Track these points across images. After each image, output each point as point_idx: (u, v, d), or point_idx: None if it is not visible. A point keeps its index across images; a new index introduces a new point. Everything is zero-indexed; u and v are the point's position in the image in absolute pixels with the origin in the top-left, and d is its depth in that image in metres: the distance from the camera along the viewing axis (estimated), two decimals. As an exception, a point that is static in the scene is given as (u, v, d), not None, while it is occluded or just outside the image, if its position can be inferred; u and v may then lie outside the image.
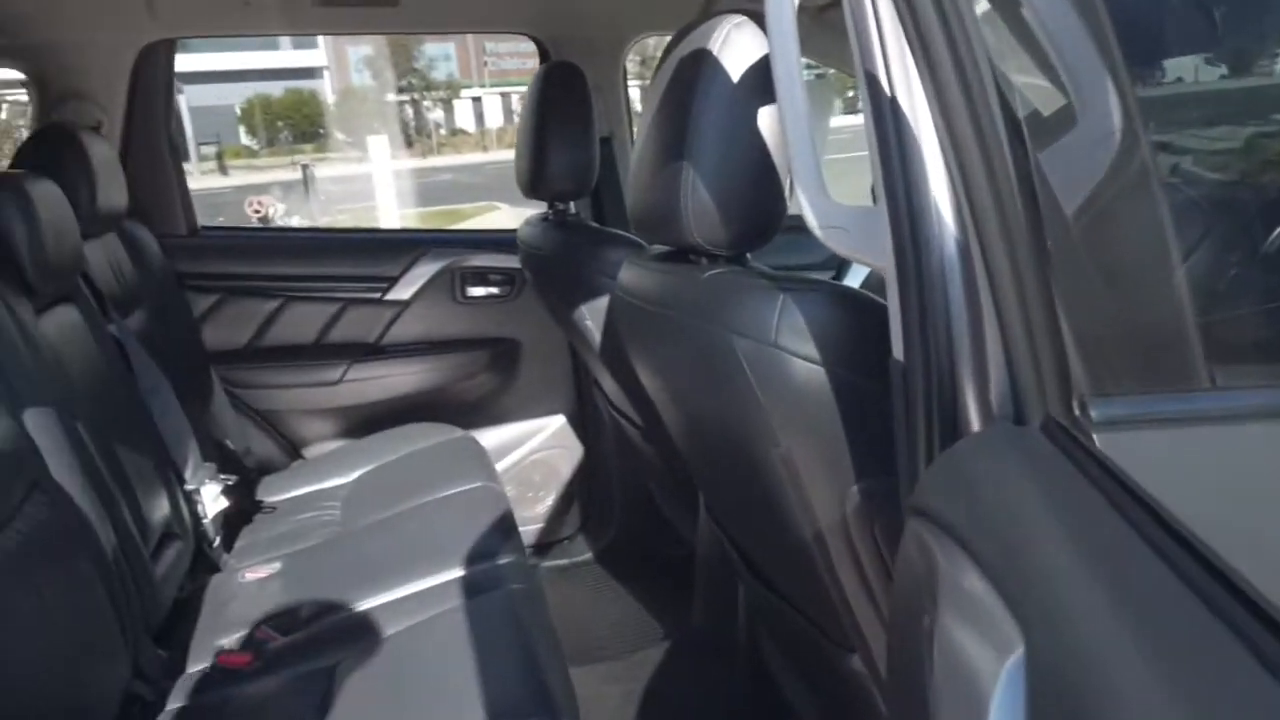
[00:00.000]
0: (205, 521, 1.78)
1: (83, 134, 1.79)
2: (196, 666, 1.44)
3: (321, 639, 1.46)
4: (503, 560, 1.61)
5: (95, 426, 1.46)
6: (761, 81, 0.97)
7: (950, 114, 0.66)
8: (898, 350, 0.81)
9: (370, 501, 1.97)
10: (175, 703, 1.35)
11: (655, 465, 2.01)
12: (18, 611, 1.08)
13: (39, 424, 1.27)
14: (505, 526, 1.74)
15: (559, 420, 2.53)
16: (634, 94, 2.72)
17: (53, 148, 1.73)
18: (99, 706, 1.23)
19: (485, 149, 26.36)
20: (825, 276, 2.01)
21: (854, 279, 1.95)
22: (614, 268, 1.41)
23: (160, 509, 1.63)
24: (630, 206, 1.20)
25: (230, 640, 1.50)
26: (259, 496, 2.10)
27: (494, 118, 29.19)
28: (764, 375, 0.95)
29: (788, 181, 1.00)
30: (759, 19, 0.94)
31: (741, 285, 1.01)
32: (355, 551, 1.76)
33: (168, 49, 2.21)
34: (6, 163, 1.87)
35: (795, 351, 0.92)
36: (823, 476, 0.99)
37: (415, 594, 1.54)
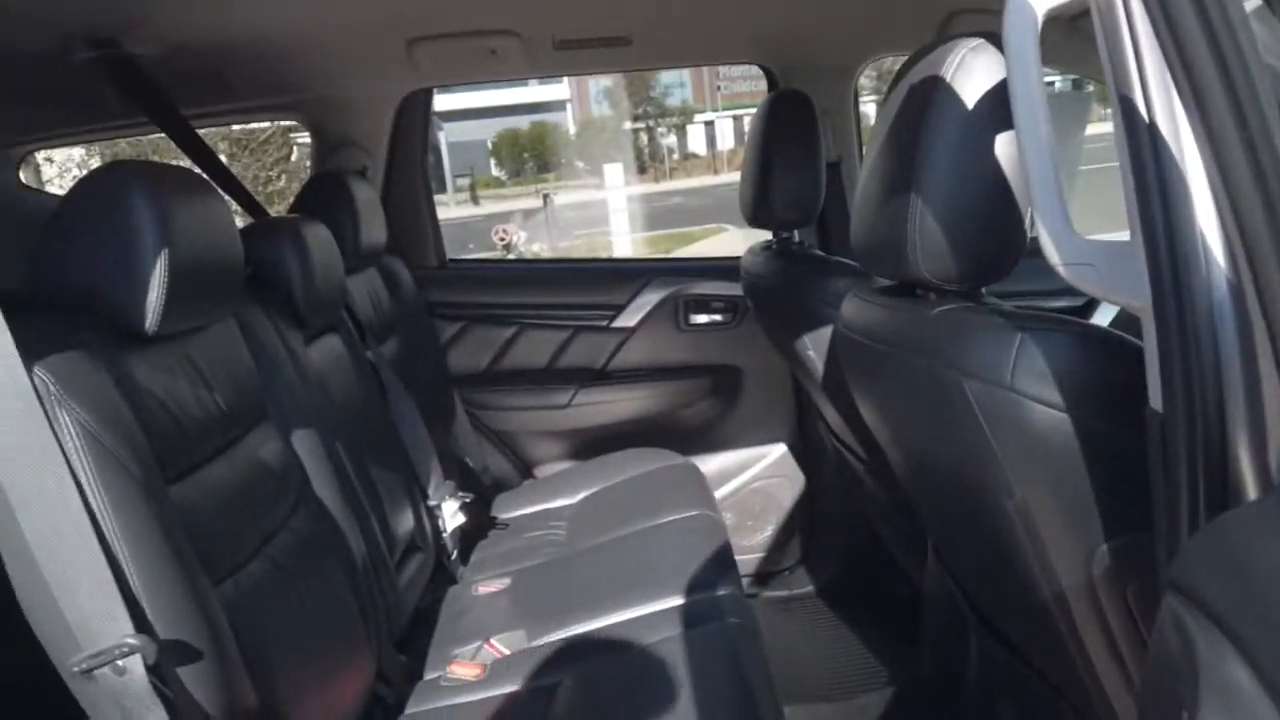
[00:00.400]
0: (445, 535, 1.90)
1: (350, 179, 1.98)
2: (432, 674, 1.54)
3: (545, 658, 1.51)
4: (721, 592, 1.60)
5: (352, 446, 1.60)
6: (998, 107, 0.91)
7: (1219, 140, 0.58)
8: (1155, 399, 0.72)
9: (594, 523, 2.03)
10: (413, 707, 1.44)
11: (880, 500, 1.93)
12: (283, 612, 1.20)
13: (305, 443, 1.41)
14: (724, 557, 1.73)
15: (780, 449, 2.50)
16: (870, 108, 2.64)
17: (324, 193, 1.93)
18: (347, 704, 1.34)
19: (716, 171, 26.74)
20: (1069, 303, 1.87)
21: (1104, 314, 1.78)
22: (838, 298, 1.37)
23: (406, 523, 1.76)
24: (854, 237, 1.16)
25: (463, 650, 1.59)
26: (493, 513, 2.22)
27: (725, 140, 29.56)
28: (998, 420, 0.88)
29: (1028, 212, 0.92)
30: (999, 40, 0.88)
31: (974, 323, 0.94)
32: (579, 573, 1.81)
33: (425, 97, 2.41)
34: (293, 198, 2.11)
35: (1034, 396, 0.84)
36: (1065, 532, 0.90)
37: (635, 619, 1.56)
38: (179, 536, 0.98)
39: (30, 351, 0.87)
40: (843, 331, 1.24)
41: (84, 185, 1.06)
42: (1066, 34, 1.67)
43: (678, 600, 1.58)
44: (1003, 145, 0.92)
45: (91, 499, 0.88)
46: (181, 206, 1.07)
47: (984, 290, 1.03)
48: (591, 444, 2.44)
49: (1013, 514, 0.93)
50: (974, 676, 1.58)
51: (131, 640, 0.85)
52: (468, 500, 1.93)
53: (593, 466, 2.35)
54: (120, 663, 0.86)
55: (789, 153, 1.76)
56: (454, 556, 1.93)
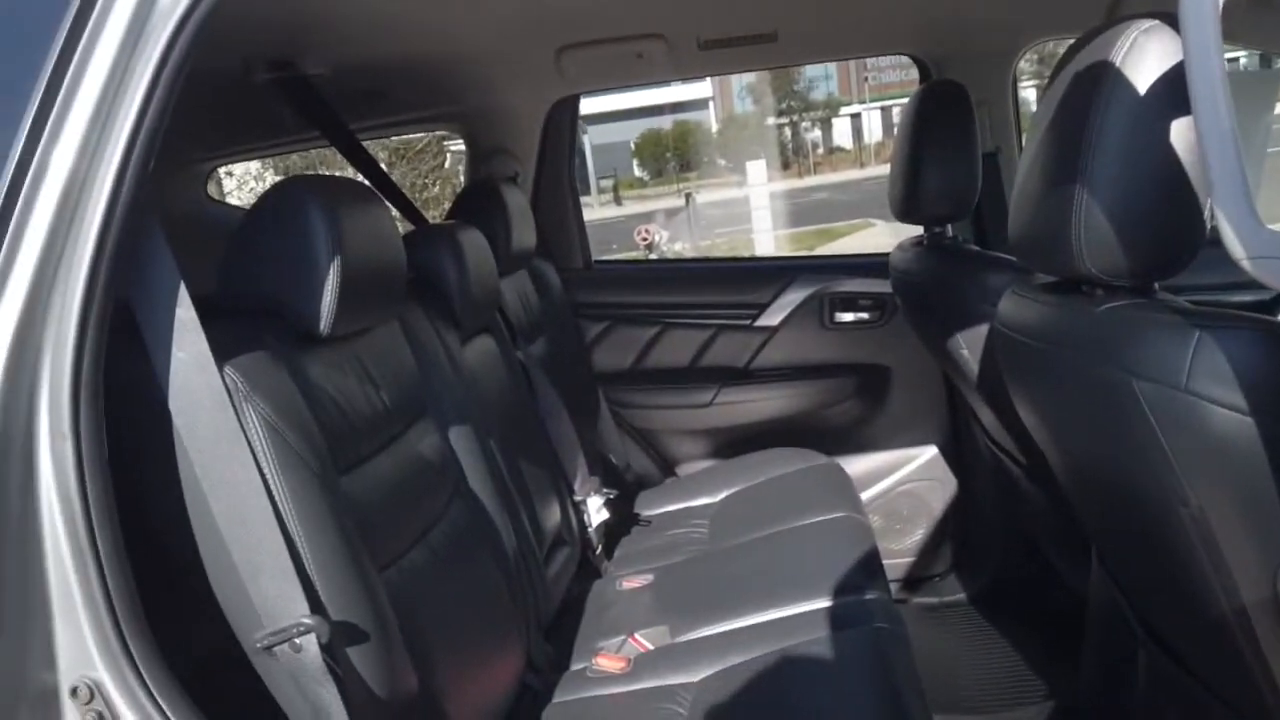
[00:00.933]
0: (590, 530, 1.94)
1: (502, 186, 2.06)
2: (578, 665, 1.58)
3: (689, 654, 1.53)
4: (869, 595, 1.57)
5: (503, 442, 1.66)
6: (1174, 92, 0.85)
7: None
8: (1356, 405, 0.66)
9: (737, 522, 2.03)
10: (560, 696, 1.48)
11: (1039, 507, 1.84)
12: (440, 600, 1.26)
13: (460, 439, 1.47)
14: (871, 560, 1.69)
15: (930, 451, 2.42)
16: (1030, 94, 2.52)
17: (479, 200, 2.01)
18: (499, 690, 1.39)
19: (862, 165, 26.15)
20: (1253, 298, 1.73)
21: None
22: (994, 295, 1.32)
23: (553, 517, 1.81)
24: (1012, 231, 1.11)
25: (608, 644, 1.62)
26: (636, 510, 2.25)
27: (872, 133, 28.87)
28: (1171, 424, 0.83)
29: (1207, 202, 0.86)
30: (1174, 21, 0.83)
31: (1145, 320, 0.89)
32: (721, 571, 1.82)
33: (573, 103, 2.47)
34: (449, 204, 2.20)
35: (1214, 398, 0.79)
36: (1247, 544, 0.84)
37: (779, 620, 1.55)
38: (349, 525, 1.04)
39: (221, 352, 0.95)
40: (1001, 330, 1.20)
41: (266, 200, 1.15)
42: (1252, 7, 1.55)
43: (824, 602, 1.56)
44: (1179, 131, 0.86)
45: (273, 488, 0.95)
46: (352, 217, 1.14)
47: (1156, 285, 0.97)
48: (734, 443, 2.44)
49: (1187, 523, 0.87)
50: (1141, 693, 1.48)
51: (307, 620, 0.91)
52: (612, 496, 1.97)
53: (735, 466, 2.35)
54: (297, 640, 0.92)
55: (942, 144, 1.71)
56: (598, 551, 1.97)
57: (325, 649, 0.94)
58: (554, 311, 2.30)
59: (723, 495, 2.21)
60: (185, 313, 0.91)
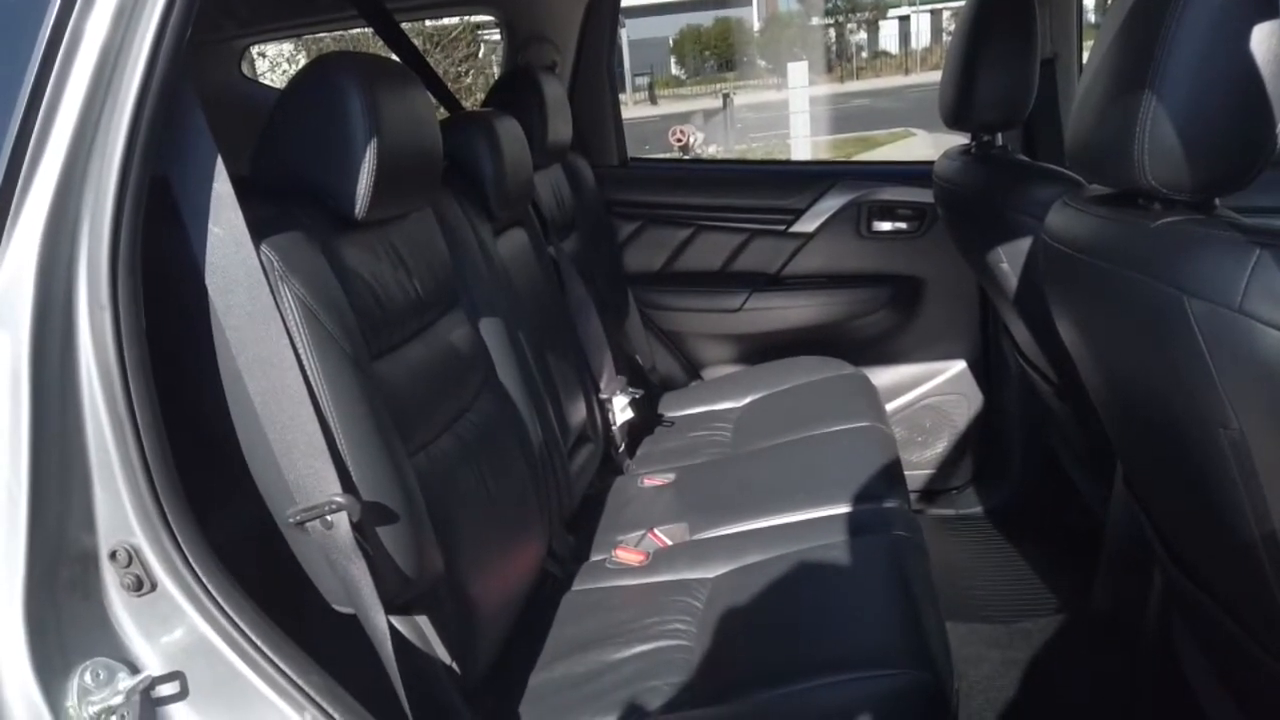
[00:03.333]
0: (614, 428, 1.96)
1: (541, 75, 2.00)
2: (598, 556, 1.61)
3: (706, 551, 1.56)
4: (888, 504, 1.59)
5: (533, 336, 1.66)
6: (1260, -4, 0.80)
7: None
8: None
9: (760, 427, 2.04)
10: (579, 585, 1.52)
11: (1066, 425, 1.83)
12: (467, 486, 1.28)
13: (491, 331, 1.47)
14: (892, 470, 1.70)
15: (958, 366, 2.40)
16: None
17: (516, 88, 1.96)
18: (522, 576, 1.43)
19: (907, 71, 25.28)
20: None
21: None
22: (1041, 208, 1.28)
23: (578, 413, 1.82)
24: (1069, 140, 1.07)
25: (627, 538, 1.65)
26: (660, 411, 2.27)
27: (920, 38, 27.82)
28: (1221, 344, 0.81)
29: (1280, 116, 0.82)
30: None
31: (1202, 237, 0.86)
32: (743, 474, 1.84)
33: (616, -8, 2.39)
34: (482, 95, 2.16)
35: (1268, 320, 0.77)
36: (1286, 471, 0.82)
37: (797, 523, 1.57)
38: (381, 409, 1.06)
39: (257, 231, 0.95)
40: (1047, 243, 1.16)
41: (302, 78, 1.12)
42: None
43: (843, 508, 1.58)
44: (1261, 38, 0.81)
45: (307, 368, 0.96)
46: (390, 98, 1.11)
47: (1217, 202, 0.93)
48: (761, 349, 2.44)
49: (1225, 446, 0.86)
50: (1154, 611, 1.50)
51: (339, 498, 0.93)
52: (637, 396, 1.97)
53: (761, 371, 2.35)
54: (329, 517, 0.94)
55: (1000, 48, 1.63)
56: (621, 449, 1.99)
57: (356, 527, 0.96)
58: (587, 208, 2.27)
59: (747, 400, 2.22)
60: (222, 187, 0.90)
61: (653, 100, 23.69)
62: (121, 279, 0.81)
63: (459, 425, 1.30)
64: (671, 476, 1.88)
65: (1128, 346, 1.01)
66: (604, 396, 1.94)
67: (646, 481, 1.88)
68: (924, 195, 2.16)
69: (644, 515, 1.73)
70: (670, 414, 2.25)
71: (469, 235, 1.49)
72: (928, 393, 2.43)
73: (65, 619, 0.78)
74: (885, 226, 2.36)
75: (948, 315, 2.37)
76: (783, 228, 2.39)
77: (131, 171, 0.81)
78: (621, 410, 1.96)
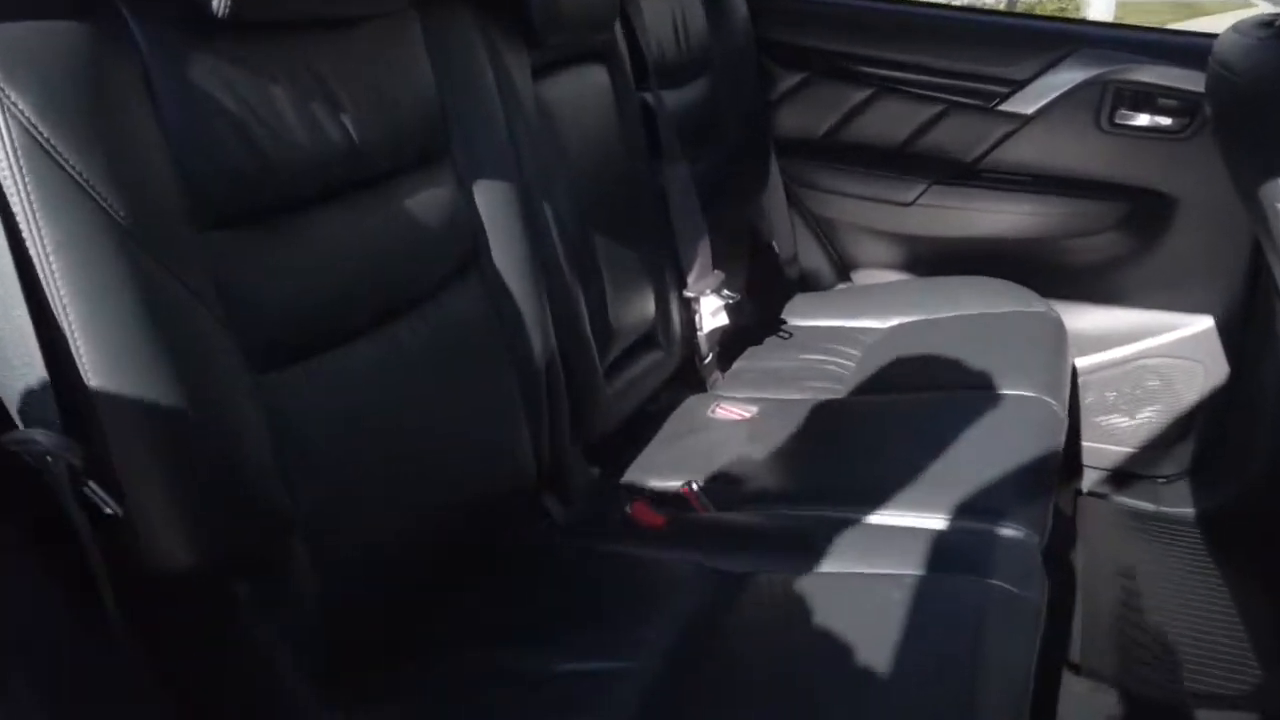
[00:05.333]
0: (700, 334, 1.56)
1: None
2: (616, 502, 1.25)
3: (752, 533, 1.16)
4: (1007, 531, 1.11)
5: (588, 209, 1.28)
6: None
7: None
8: None
9: (895, 366, 1.57)
10: (570, 540, 1.18)
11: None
12: (429, 395, 0.96)
13: (493, 198, 1.09)
14: (1042, 477, 1.21)
15: (1203, 322, 1.78)
16: None
17: None
18: (504, 513, 1.11)
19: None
20: None
21: None
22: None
23: (641, 311, 1.44)
24: None
25: (661, 483, 1.29)
26: (784, 315, 1.83)
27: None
28: None
29: None
30: None
31: None
32: (841, 430, 1.40)
33: None
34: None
35: None
36: None
37: (902, 529, 1.12)
38: (188, 303, 0.73)
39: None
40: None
41: None
42: None
43: (943, 521, 1.12)
44: None
45: (26, 232, 0.64)
46: None
47: None
48: (932, 259, 1.91)
49: None
50: None
51: (40, 439, 0.63)
52: (734, 300, 1.55)
53: (922, 287, 1.86)
54: (46, 457, 0.64)
55: None
56: (708, 359, 1.59)
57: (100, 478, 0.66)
58: (728, 48, 1.78)
59: (894, 322, 1.74)
60: None
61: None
62: None
63: (398, 324, 0.96)
64: (753, 410, 1.47)
65: None
66: (691, 294, 1.53)
67: (721, 410, 1.49)
68: (1196, 83, 1.50)
69: (695, 455, 1.35)
70: (795, 321, 1.81)
71: (478, 63, 1.10)
72: (1150, 351, 1.82)
73: None
74: (1139, 120, 1.72)
75: (1202, 254, 1.73)
76: (992, 102, 1.80)
77: None
78: (712, 314, 1.55)
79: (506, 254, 1.10)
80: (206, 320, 0.74)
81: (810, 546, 1.10)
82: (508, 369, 1.10)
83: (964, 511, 1.12)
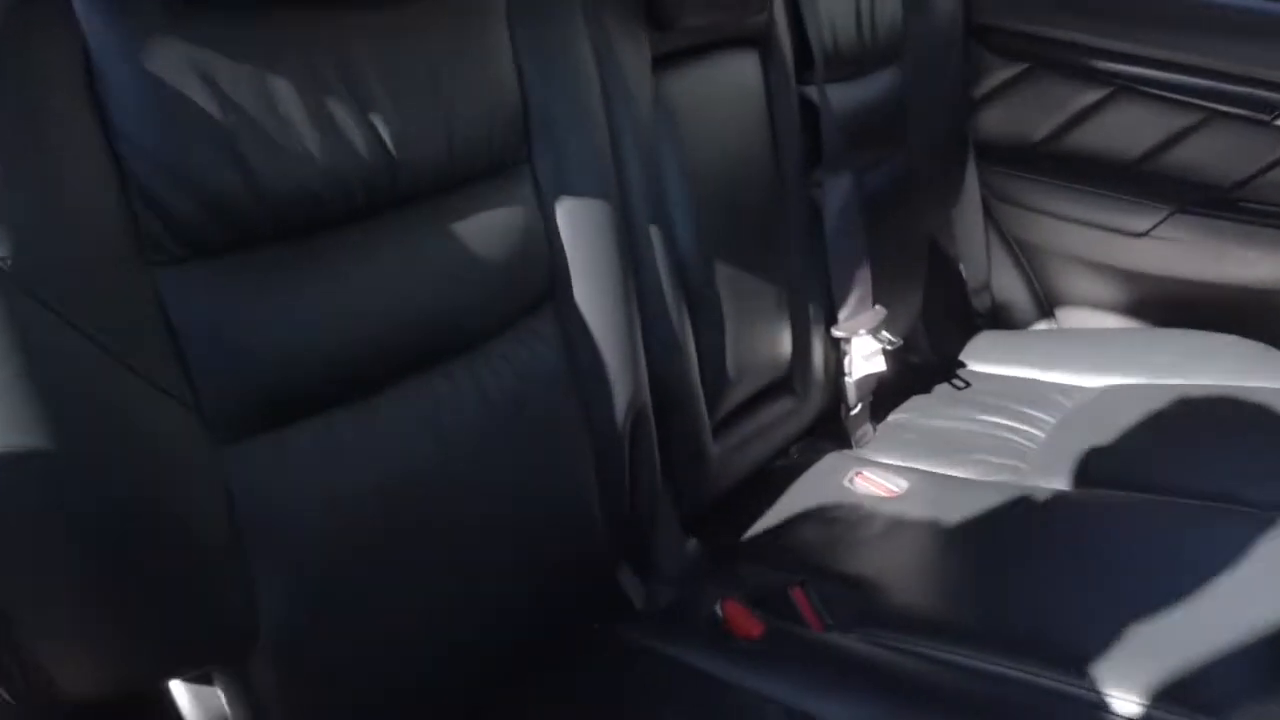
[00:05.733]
0: (849, 380, 1.29)
1: None
2: (709, 591, 1.02)
3: (868, 670, 0.90)
4: None
5: (712, 221, 1.05)
6: None
7: None
8: None
9: (1106, 448, 1.23)
10: (648, 635, 0.96)
11: None
12: (467, 468, 0.78)
13: (585, 217, 0.88)
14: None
15: None
16: None
17: None
18: (560, 607, 0.92)
19: None
20: None
21: None
22: None
23: (773, 352, 1.19)
24: None
25: (767, 572, 1.05)
26: (962, 357, 1.52)
27: None
28: None
29: None
30: None
31: None
32: (1029, 542, 1.07)
33: None
34: None
35: None
36: None
37: (1083, 703, 0.84)
38: (102, 358, 0.56)
39: None
40: None
41: None
42: None
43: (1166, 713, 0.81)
44: None
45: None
46: None
47: None
48: (1164, 305, 1.54)
49: None
50: None
51: None
52: (892, 345, 1.27)
53: (1151, 340, 1.50)
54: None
55: None
56: (855, 411, 1.32)
57: None
58: (928, 31, 1.46)
59: (1106, 382, 1.40)
60: None
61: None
62: None
63: (433, 377, 0.77)
64: (903, 486, 1.20)
65: None
66: (841, 334, 1.26)
67: (860, 480, 1.22)
68: None
69: (817, 544, 1.10)
70: (976, 366, 1.50)
71: (578, 48, 0.88)
72: None
73: None
74: None
75: None
76: (1271, 116, 1.39)
77: None
78: (866, 358, 1.28)
79: (593, 288, 0.89)
80: (127, 379, 0.57)
81: (943, 707, 0.83)
82: (579, 432, 0.89)
83: (1172, 701, 0.81)
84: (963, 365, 1.51)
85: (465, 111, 0.77)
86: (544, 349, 0.86)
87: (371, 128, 0.70)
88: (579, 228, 0.88)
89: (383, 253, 0.73)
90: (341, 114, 0.68)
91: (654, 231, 0.96)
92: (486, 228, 0.80)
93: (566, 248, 0.87)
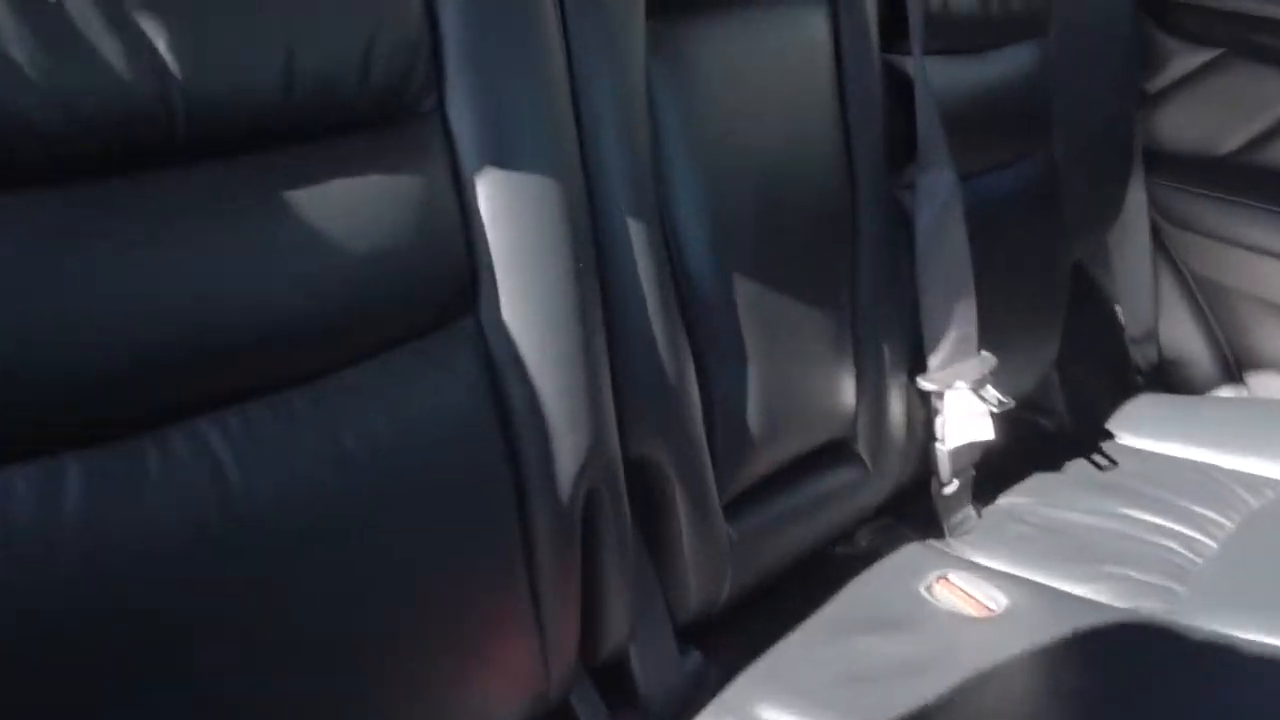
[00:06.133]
0: (941, 449, 0.97)
1: None
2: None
3: None
4: None
5: (735, 221, 0.77)
6: None
7: None
8: None
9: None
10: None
11: None
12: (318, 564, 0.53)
13: (537, 192, 0.62)
14: None
15: None
16: None
17: None
18: None
19: None
20: None
21: None
22: None
23: (825, 402, 0.89)
24: None
25: (796, 717, 0.75)
26: (1114, 425, 1.17)
27: None
28: None
29: None
30: None
31: None
32: (1174, 698, 0.75)
33: None
34: None
35: None
36: None
37: None
38: None
39: None
40: None
41: None
42: None
43: None
44: None
45: None
46: None
47: None
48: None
49: None
50: None
51: None
52: (1001, 404, 0.94)
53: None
54: None
55: None
56: (949, 488, 0.99)
57: None
58: (1081, 4, 1.14)
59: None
60: None
61: None
62: None
63: (258, 409, 0.52)
64: (1002, 603, 0.86)
65: None
66: (930, 386, 0.94)
67: (944, 588, 0.89)
68: None
69: (865, 678, 0.78)
70: (1129, 438, 1.15)
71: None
72: None
73: None
74: None
75: None
76: None
77: None
78: (964, 419, 0.95)
79: (534, 299, 0.63)
80: None
81: None
82: (502, 507, 0.62)
83: None
84: (1110, 437, 1.16)
85: (308, 30, 0.53)
86: (450, 385, 0.60)
87: (143, 40, 0.47)
88: (515, 213, 0.62)
89: (178, 224, 0.49)
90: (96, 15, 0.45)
91: (637, 229, 0.69)
92: (356, 198, 0.55)
93: (493, 239, 0.61)
